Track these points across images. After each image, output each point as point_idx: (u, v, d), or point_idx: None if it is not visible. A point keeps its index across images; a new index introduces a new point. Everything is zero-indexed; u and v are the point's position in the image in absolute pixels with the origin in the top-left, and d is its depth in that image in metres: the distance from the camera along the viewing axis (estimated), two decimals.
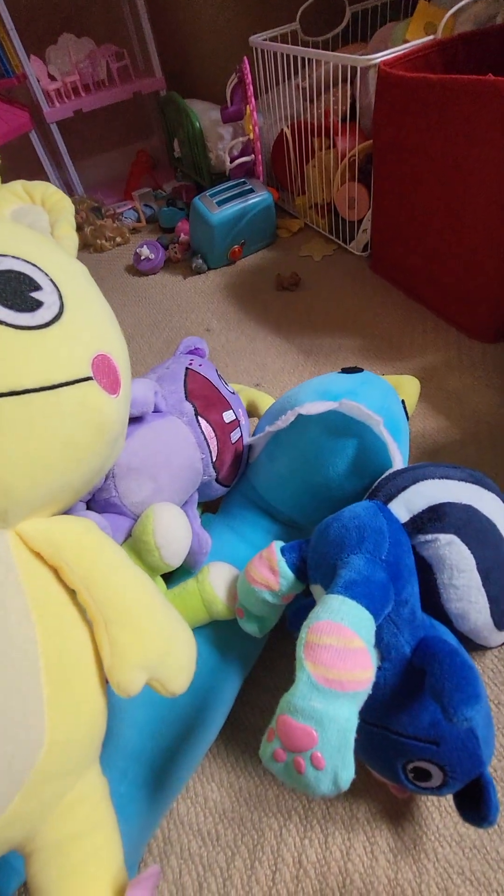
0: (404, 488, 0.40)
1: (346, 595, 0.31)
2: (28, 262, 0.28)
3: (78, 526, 0.30)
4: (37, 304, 0.27)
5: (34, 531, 0.28)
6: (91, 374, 0.28)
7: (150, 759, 0.39)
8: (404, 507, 0.39)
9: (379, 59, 0.76)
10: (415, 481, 0.40)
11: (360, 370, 0.49)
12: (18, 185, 0.39)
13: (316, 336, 0.90)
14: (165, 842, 0.43)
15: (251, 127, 1.02)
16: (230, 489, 0.52)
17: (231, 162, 1.06)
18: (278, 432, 0.46)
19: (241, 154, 1.07)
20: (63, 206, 0.45)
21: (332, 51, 1.08)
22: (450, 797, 0.40)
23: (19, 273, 0.27)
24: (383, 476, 0.41)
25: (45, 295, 0.28)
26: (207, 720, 0.42)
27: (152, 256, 1.11)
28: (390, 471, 0.42)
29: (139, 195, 1.34)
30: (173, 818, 0.44)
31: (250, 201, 1.03)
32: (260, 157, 1.04)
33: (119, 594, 0.28)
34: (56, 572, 0.29)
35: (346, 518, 0.37)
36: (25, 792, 0.24)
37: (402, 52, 0.76)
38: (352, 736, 0.27)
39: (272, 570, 0.38)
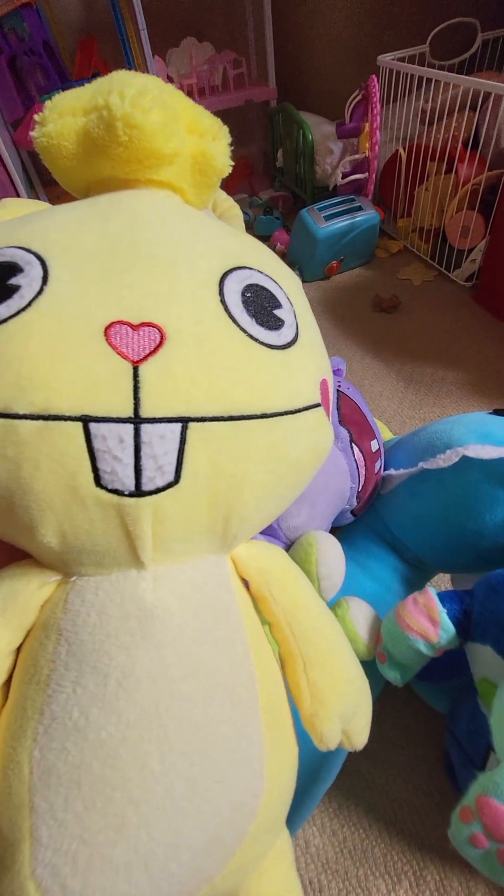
0: None
1: None
2: (268, 276, 0.27)
3: (281, 555, 0.28)
4: (280, 323, 0.26)
5: (248, 556, 0.26)
6: (320, 401, 0.27)
7: None
8: None
9: None
10: None
11: None
12: None
13: (416, 364, 0.87)
14: None
15: (368, 145, 1.01)
16: (355, 519, 0.50)
17: (343, 178, 1.05)
18: (428, 470, 0.44)
19: (353, 171, 1.05)
20: (235, 213, 0.44)
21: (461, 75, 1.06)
22: None
23: (265, 288, 0.26)
24: None
25: (285, 313, 0.27)
26: (330, 763, 0.40)
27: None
28: None
29: (235, 200, 1.34)
30: None
31: (357, 218, 1.02)
32: (374, 176, 1.03)
33: (319, 633, 0.27)
34: (253, 602, 0.27)
35: None
36: (245, 845, 0.22)
37: None
38: None
39: (432, 621, 0.36)
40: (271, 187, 1.39)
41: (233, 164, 0.31)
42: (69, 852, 0.19)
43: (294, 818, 0.38)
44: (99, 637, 0.21)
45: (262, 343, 0.24)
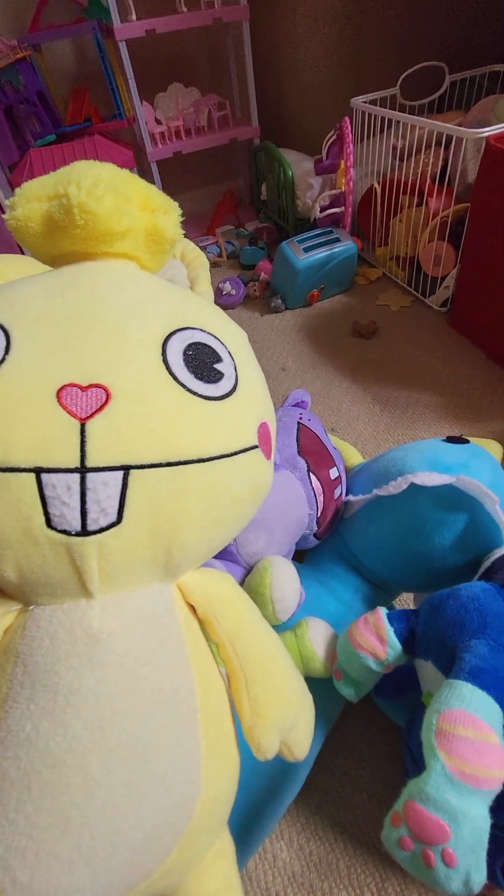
0: None
1: (474, 684, 0.31)
2: (211, 334, 0.31)
3: (226, 581, 0.31)
4: (220, 376, 0.29)
5: (193, 584, 0.29)
6: (257, 443, 0.30)
7: (239, 811, 0.39)
8: None
9: (488, 133, 0.79)
10: None
11: (467, 441, 0.49)
12: None
13: (392, 387, 0.91)
14: None
15: (344, 181, 1.07)
16: (320, 542, 0.53)
17: (321, 212, 1.10)
18: (383, 496, 0.47)
19: (331, 205, 1.11)
20: (201, 262, 0.48)
21: (429, 115, 1.13)
22: None
23: (206, 345, 0.30)
24: (499, 556, 0.41)
25: (225, 367, 0.30)
26: (291, 777, 0.42)
27: (234, 292, 1.15)
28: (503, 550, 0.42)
29: (222, 232, 1.40)
30: (242, 875, 0.44)
31: (335, 249, 1.07)
32: (350, 209, 1.08)
33: (260, 652, 0.29)
34: (200, 625, 0.30)
35: (465, 598, 0.37)
36: (182, 844, 0.25)
37: None
38: (486, 836, 0.27)
39: (380, 639, 0.39)
40: (256, 219, 1.45)
41: (183, 231, 0.35)
42: (19, 848, 0.21)
43: (256, 829, 0.40)
44: (50, 659, 0.24)
45: (200, 395, 0.28)
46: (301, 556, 0.56)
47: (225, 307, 1.18)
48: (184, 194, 1.50)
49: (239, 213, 1.48)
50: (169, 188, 1.37)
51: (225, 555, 0.41)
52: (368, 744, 0.49)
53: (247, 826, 0.39)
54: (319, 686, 0.42)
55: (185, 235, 0.43)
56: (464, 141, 0.93)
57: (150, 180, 1.33)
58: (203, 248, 1.33)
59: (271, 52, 1.30)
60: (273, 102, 1.37)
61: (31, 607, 0.26)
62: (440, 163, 1.04)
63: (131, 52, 1.12)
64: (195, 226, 1.46)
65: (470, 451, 0.48)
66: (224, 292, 1.16)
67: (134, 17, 1.09)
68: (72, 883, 0.21)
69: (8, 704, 0.23)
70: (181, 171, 1.44)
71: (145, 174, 1.32)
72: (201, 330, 0.30)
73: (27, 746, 0.22)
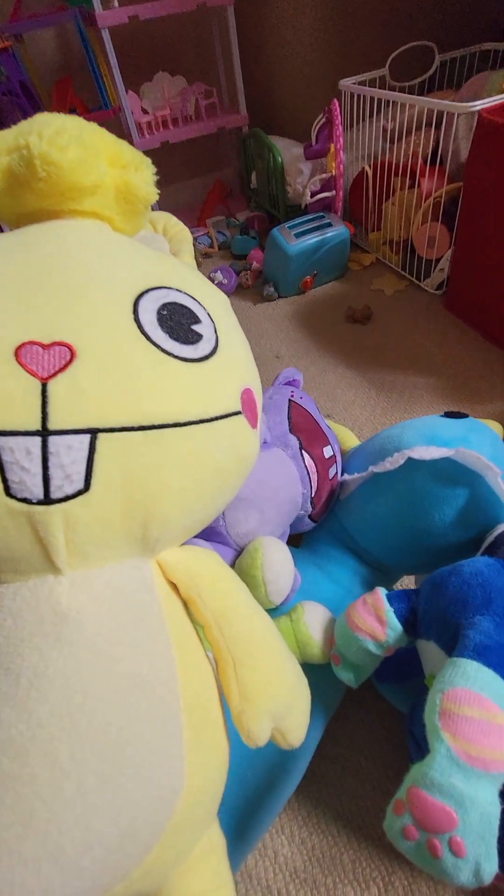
0: None
1: (479, 661, 0.29)
2: (188, 294, 0.29)
3: (211, 558, 0.29)
4: (198, 337, 0.27)
5: (174, 560, 0.27)
6: (241, 409, 0.28)
7: (234, 805, 0.37)
8: None
9: (479, 107, 0.77)
10: None
11: (466, 415, 0.47)
12: None
13: (388, 371, 0.89)
14: None
15: (334, 165, 1.05)
16: (316, 525, 0.51)
17: (311, 196, 1.08)
18: (379, 473, 0.45)
19: (322, 190, 1.09)
20: (184, 237, 0.46)
21: (419, 96, 1.11)
22: None
23: (182, 306, 0.28)
24: (502, 531, 0.39)
25: (204, 328, 0.28)
26: (290, 768, 0.40)
27: (225, 281, 1.13)
28: None
29: (212, 222, 1.38)
30: (241, 872, 0.42)
31: (327, 235, 1.05)
32: (341, 193, 1.06)
33: (249, 634, 0.28)
34: (185, 605, 0.28)
35: (468, 574, 0.35)
36: (163, 841, 0.23)
37: (502, 101, 0.77)
38: (496, 822, 0.25)
39: (379, 620, 0.37)
40: (247, 208, 1.43)
41: (159, 192, 0.33)
42: None
43: (254, 824, 0.38)
44: (13, 640, 0.22)
45: (175, 356, 0.26)
46: (297, 541, 0.54)
47: None
48: (173, 185, 1.48)
49: (229, 202, 1.46)
50: (157, 179, 1.35)
51: (214, 536, 0.39)
52: (370, 731, 0.47)
53: (244, 821, 0.38)
54: (318, 672, 0.40)
55: None
56: (455, 119, 0.91)
57: None
58: (194, 239, 1.31)
59: (258, 38, 1.28)
60: (261, 89, 1.35)
61: None
62: (431, 144, 1.02)
63: (115, 40, 1.10)
64: (185, 216, 1.43)
65: (468, 425, 0.46)
66: (216, 282, 1.14)
67: (116, 3, 1.07)
68: (38, 885, 0.19)
69: None
70: (170, 162, 1.41)
71: None
72: (177, 290, 0.28)
73: None
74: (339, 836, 0.43)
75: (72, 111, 1.19)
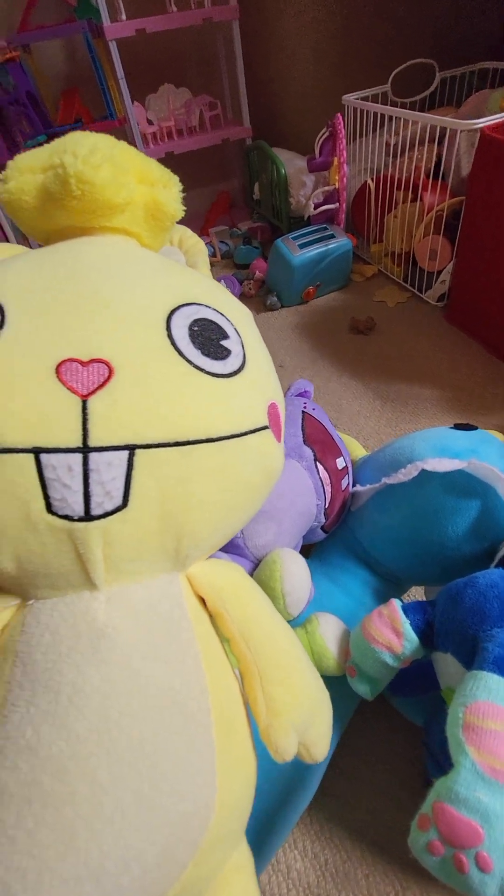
0: None
1: (499, 674, 0.29)
2: (216, 310, 0.29)
3: (235, 571, 0.29)
4: (227, 353, 0.28)
5: (202, 574, 0.27)
6: (268, 424, 0.29)
7: (251, 819, 0.37)
8: None
9: (482, 125, 0.78)
10: None
11: (475, 427, 0.48)
12: None
13: (392, 382, 0.90)
14: None
15: (337, 178, 1.06)
16: (327, 536, 0.51)
17: (315, 209, 1.10)
18: (392, 485, 0.45)
19: (325, 202, 1.11)
20: (200, 249, 0.47)
21: (421, 112, 1.13)
22: None
23: (212, 322, 0.28)
24: None
25: (232, 344, 0.28)
26: (305, 781, 0.40)
27: (229, 291, 1.14)
28: None
29: (216, 232, 1.39)
30: None
31: (330, 246, 1.06)
32: (344, 205, 1.07)
33: (274, 648, 0.28)
34: (210, 619, 0.28)
35: (484, 586, 0.35)
36: (198, 858, 0.23)
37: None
38: None
39: (396, 632, 0.37)
40: (250, 219, 1.44)
41: (185, 208, 0.34)
42: (19, 869, 0.19)
43: (269, 839, 0.38)
44: (52, 656, 0.22)
45: (207, 372, 0.26)
46: (308, 552, 0.54)
47: None
48: None
49: (232, 213, 1.47)
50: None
51: (232, 548, 0.39)
52: (383, 745, 0.47)
53: (259, 835, 0.37)
54: (332, 684, 0.40)
55: None
56: (457, 135, 0.93)
57: None
58: None
59: (261, 52, 1.30)
60: (265, 102, 1.37)
61: (29, 602, 0.24)
62: (434, 158, 1.04)
63: (122, 52, 1.11)
64: (189, 226, 1.44)
65: (479, 437, 0.46)
66: None
67: (124, 16, 1.08)
68: None
69: (7, 709, 0.21)
70: (174, 172, 1.43)
71: None
72: (206, 306, 0.28)
73: (27, 754, 0.20)
74: (353, 850, 0.43)
75: (77, 121, 1.21)
